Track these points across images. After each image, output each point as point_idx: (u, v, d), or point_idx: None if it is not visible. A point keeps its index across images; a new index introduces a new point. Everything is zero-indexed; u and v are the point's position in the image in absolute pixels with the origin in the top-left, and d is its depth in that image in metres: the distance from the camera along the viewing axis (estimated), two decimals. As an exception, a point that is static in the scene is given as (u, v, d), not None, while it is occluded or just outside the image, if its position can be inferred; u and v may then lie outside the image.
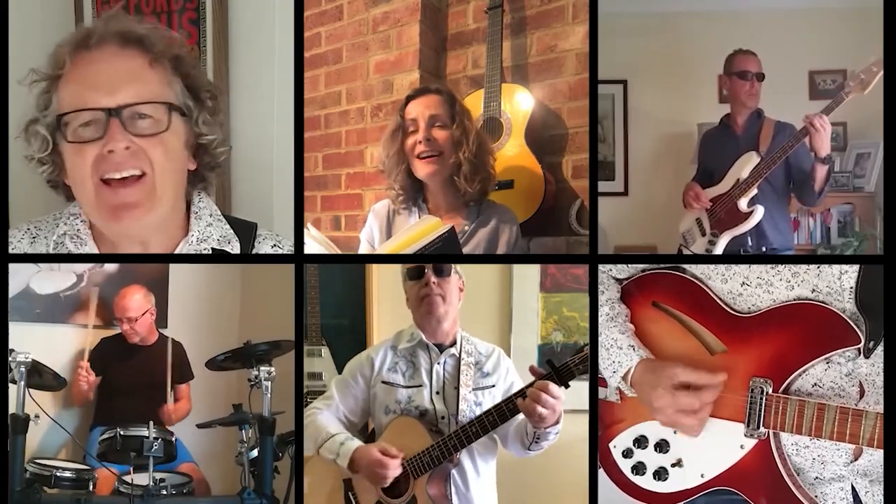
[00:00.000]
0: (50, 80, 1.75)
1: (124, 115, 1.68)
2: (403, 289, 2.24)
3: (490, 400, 2.16)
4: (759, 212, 2.69)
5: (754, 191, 2.70)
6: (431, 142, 2.22)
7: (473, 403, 2.14)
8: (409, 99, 2.29)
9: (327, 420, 2.17)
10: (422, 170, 2.24)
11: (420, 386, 2.16)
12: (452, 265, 2.16)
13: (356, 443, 2.10)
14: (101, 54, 1.72)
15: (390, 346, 2.22)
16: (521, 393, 1.98)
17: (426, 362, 2.18)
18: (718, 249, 2.73)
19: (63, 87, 1.73)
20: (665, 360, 1.70)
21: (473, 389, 2.15)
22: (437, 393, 2.15)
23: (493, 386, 2.18)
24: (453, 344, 2.19)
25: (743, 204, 2.71)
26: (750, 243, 2.73)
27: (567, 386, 1.93)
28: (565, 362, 1.93)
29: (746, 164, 2.71)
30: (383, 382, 2.18)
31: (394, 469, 2.04)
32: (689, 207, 2.86)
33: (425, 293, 2.15)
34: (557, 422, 1.98)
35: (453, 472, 2.10)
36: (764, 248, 2.74)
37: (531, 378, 1.98)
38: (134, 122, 1.69)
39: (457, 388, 2.14)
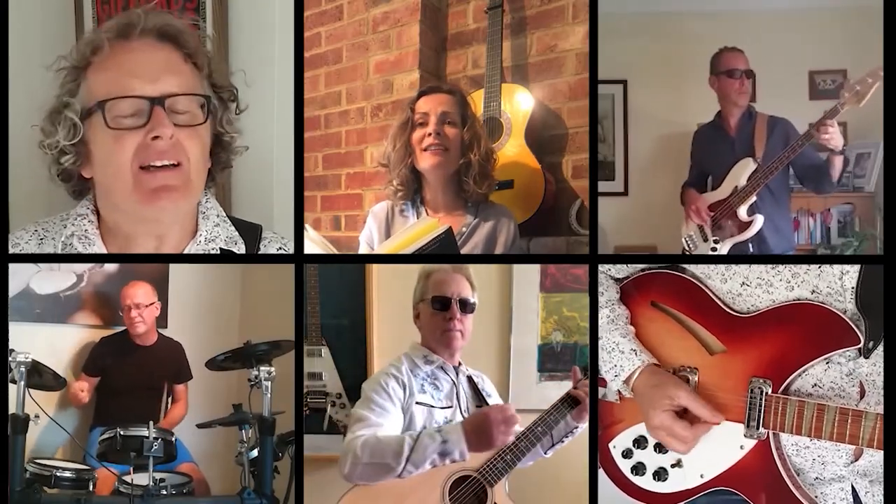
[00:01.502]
0: (79, 67, 1.74)
1: (166, 104, 1.69)
2: (415, 306, 2.19)
3: None
4: (760, 221, 2.68)
5: (753, 198, 2.69)
6: (441, 136, 2.22)
7: None
8: (420, 94, 2.29)
9: (392, 433, 1.96)
10: (425, 161, 2.24)
11: (451, 407, 2.11)
12: (475, 300, 2.14)
13: (455, 421, 2.02)
14: (140, 45, 1.73)
15: (408, 369, 2.11)
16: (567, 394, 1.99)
17: (448, 384, 2.13)
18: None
19: (96, 74, 1.73)
20: (669, 374, 1.70)
21: None
22: (466, 411, 2.11)
23: None
24: (459, 364, 2.17)
25: (742, 212, 2.70)
26: (751, 249, 2.72)
27: None
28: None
29: (743, 171, 2.71)
30: (418, 403, 2.08)
31: (517, 420, 1.93)
32: (689, 219, 2.85)
33: (448, 328, 2.11)
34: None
35: None
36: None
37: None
38: (174, 114, 1.71)
39: (479, 406, 2.11)
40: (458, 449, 1.90)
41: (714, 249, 2.75)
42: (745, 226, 2.70)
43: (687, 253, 2.88)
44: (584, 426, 2.01)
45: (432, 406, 2.08)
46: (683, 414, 1.66)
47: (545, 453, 2.08)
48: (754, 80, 3.10)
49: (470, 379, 2.16)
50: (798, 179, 2.81)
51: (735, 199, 2.71)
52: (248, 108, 1.93)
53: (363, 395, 2.06)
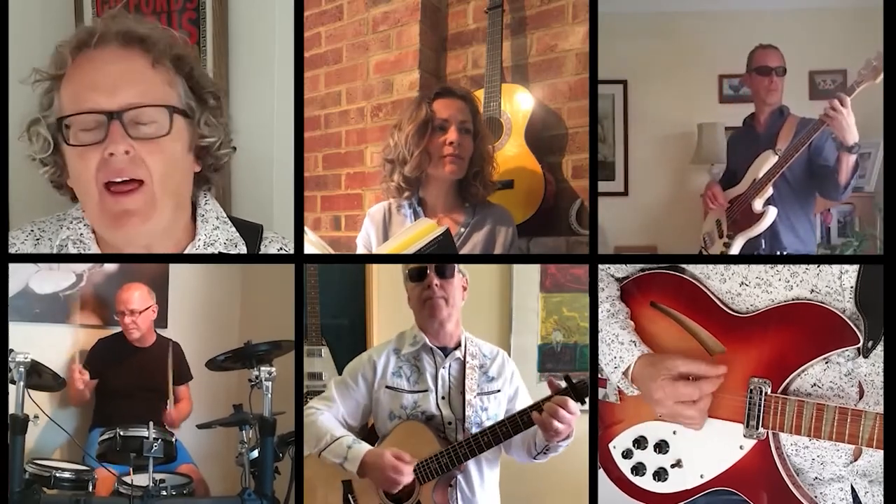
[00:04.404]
0: (52, 80, 1.73)
1: (125, 118, 1.66)
2: (405, 288, 2.21)
3: (495, 405, 2.15)
4: (772, 213, 2.61)
5: (770, 190, 2.62)
6: (461, 146, 2.21)
7: (479, 408, 2.12)
8: (436, 96, 2.25)
9: (329, 422, 2.13)
10: (444, 168, 2.22)
11: (426, 391, 2.13)
12: (455, 265, 2.14)
13: (364, 446, 2.07)
14: (103, 54, 1.69)
15: (393, 350, 2.18)
16: (537, 406, 1.96)
17: (431, 367, 2.15)
18: (734, 251, 2.67)
19: (64, 87, 1.71)
20: (659, 354, 1.70)
21: (478, 394, 2.12)
22: (443, 398, 2.12)
23: (499, 391, 2.16)
24: (457, 346, 2.16)
25: (758, 205, 2.64)
26: (763, 246, 2.64)
27: (583, 402, 1.93)
28: (582, 379, 1.93)
29: (764, 164, 2.64)
30: (387, 387, 2.15)
31: (408, 475, 2.02)
32: (707, 208, 2.81)
33: (427, 296, 2.11)
34: (569, 436, 1.97)
35: (459, 478, 2.08)
36: (778, 253, 2.64)
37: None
38: (135, 126, 1.67)
39: (462, 394, 2.11)
40: (351, 471, 2.06)
41: (727, 245, 2.70)
42: (758, 218, 2.62)
43: (703, 250, 2.84)
44: (569, 441, 2.00)
45: (403, 390, 2.14)
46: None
47: (534, 458, 2.07)
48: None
49: (462, 363, 2.14)
50: (814, 181, 2.69)
51: (751, 191, 2.64)
52: (249, 109, 1.93)
53: (344, 372, 2.23)
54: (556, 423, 1.91)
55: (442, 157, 2.21)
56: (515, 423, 1.99)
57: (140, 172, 1.68)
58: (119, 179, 1.67)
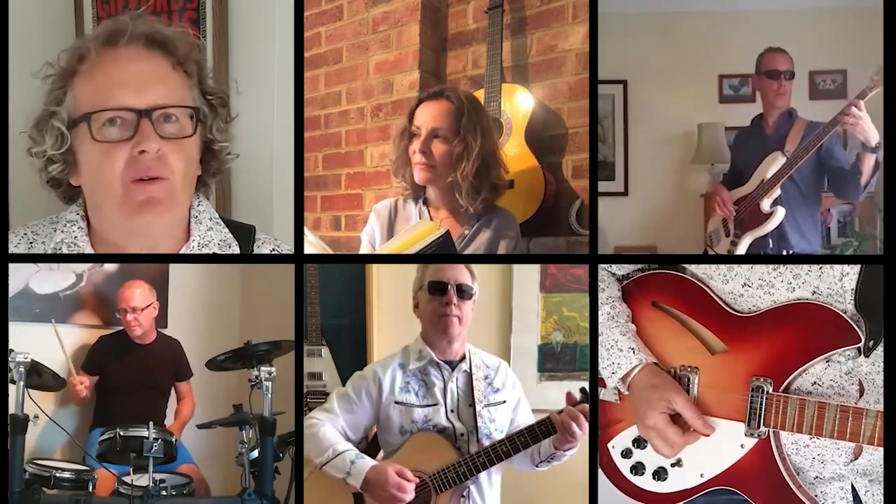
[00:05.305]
0: (66, 75, 1.71)
1: (154, 116, 1.66)
2: (414, 296, 2.20)
3: (501, 415, 2.15)
4: (780, 213, 2.63)
5: (778, 191, 2.64)
6: (427, 154, 2.20)
7: (488, 420, 2.12)
8: (420, 101, 2.26)
9: (331, 435, 2.09)
10: (416, 175, 2.24)
11: (435, 405, 2.12)
12: (474, 289, 2.14)
13: (368, 462, 2.04)
14: (128, 53, 1.69)
15: (398, 365, 2.16)
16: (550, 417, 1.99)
17: (439, 381, 2.13)
18: (740, 250, 2.70)
19: (82, 83, 1.70)
20: (669, 377, 1.69)
21: (486, 405, 2.13)
22: (452, 411, 2.12)
23: (504, 402, 2.17)
24: (462, 359, 2.16)
25: (765, 205, 2.66)
26: (771, 245, 2.66)
27: None
28: None
29: (772, 165, 2.66)
30: (396, 403, 2.12)
31: (410, 493, 2.00)
32: (714, 213, 2.82)
33: (444, 312, 2.11)
34: (576, 444, 2.00)
35: (471, 487, 2.08)
36: (785, 252, 2.66)
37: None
38: (161, 126, 1.68)
39: (472, 406, 2.11)
40: (354, 486, 2.02)
41: (734, 244, 2.71)
42: (766, 217, 2.65)
43: (709, 248, 2.86)
44: (571, 451, 2.02)
45: (412, 405, 2.12)
46: (675, 419, 1.66)
47: (537, 466, 2.09)
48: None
49: (469, 376, 2.14)
50: (828, 183, 2.74)
51: (759, 192, 2.66)
52: (249, 109, 1.93)
53: (348, 383, 2.19)
54: (575, 427, 1.94)
55: (415, 164, 2.23)
56: (534, 433, 2.01)
57: (165, 171, 1.68)
58: (147, 177, 1.67)
